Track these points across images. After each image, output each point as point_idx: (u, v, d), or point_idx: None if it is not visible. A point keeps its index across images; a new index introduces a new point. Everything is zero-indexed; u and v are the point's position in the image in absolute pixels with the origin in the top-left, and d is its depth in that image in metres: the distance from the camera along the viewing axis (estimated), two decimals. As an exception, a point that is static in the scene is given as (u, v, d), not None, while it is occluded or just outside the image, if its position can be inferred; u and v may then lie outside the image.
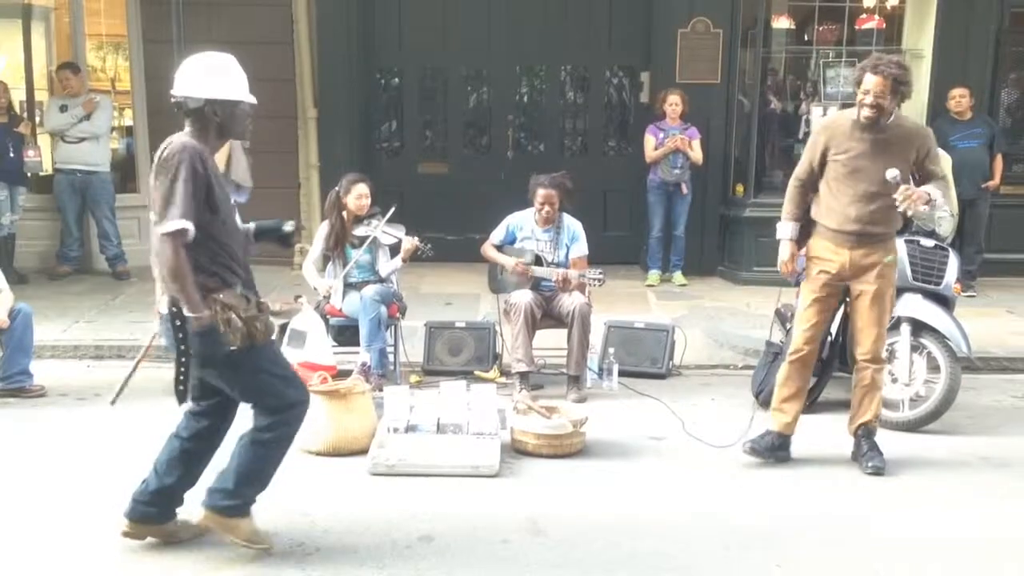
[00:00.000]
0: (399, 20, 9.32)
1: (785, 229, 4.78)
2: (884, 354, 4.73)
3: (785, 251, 4.78)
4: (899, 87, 4.34)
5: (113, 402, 5.24)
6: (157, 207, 3.30)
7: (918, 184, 4.49)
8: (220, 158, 7.26)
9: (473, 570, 3.58)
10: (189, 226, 3.26)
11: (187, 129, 3.45)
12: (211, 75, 3.43)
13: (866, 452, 4.68)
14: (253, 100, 3.53)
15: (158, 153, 3.37)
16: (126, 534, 3.66)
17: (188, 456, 3.65)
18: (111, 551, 3.67)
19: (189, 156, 3.29)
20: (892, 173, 4.32)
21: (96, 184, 8.31)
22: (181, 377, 3.44)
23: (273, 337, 3.61)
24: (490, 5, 9.22)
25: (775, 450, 4.75)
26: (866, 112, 4.38)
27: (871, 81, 4.33)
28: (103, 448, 4.81)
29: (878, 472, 4.59)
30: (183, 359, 3.40)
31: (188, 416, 3.68)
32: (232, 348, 3.33)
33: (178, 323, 3.36)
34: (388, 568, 3.58)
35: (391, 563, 3.61)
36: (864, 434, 4.72)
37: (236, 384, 3.48)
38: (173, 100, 3.45)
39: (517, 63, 9.62)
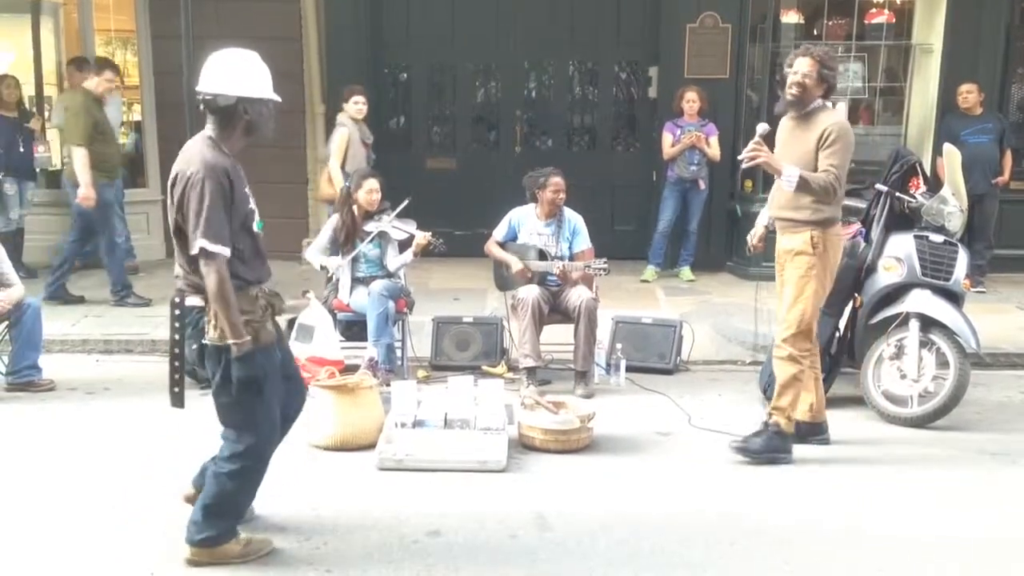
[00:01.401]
0: (407, 15, 9.32)
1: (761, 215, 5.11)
2: (791, 346, 4.57)
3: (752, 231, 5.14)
4: (824, 71, 4.48)
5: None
6: (192, 223, 3.23)
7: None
8: (340, 150, 7.28)
9: (480, 565, 3.59)
10: (226, 252, 3.24)
11: (210, 128, 3.39)
12: (241, 73, 3.36)
13: (751, 434, 4.69)
14: (278, 99, 3.48)
15: (181, 167, 3.30)
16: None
17: None
18: (117, 544, 3.69)
19: (213, 175, 3.24)
20: (762, 128, 4.54)
21: (106, 180, 8.33)
22: (176, 376, 3.43)
23: (273, 343, 3.49)
24: (498, 0, 9.20)
25: (805, 436, 4.84)
26: (792, 91, 4.52)
27: (800, 62, 4.52)
28: (112, 442, 4.83)
29: (736, 451, 4.60)
30: (177, 360, 3.40)
31: None
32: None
33: (177, 313, 3.37)
34: (396, 562, 3.58)
35: (399, 557, 3.62)
36: (769, 420, 4.68)
37: (217, 385, 3.39)
38: (200, 97, 3.38)
39: (525, 58, 9.60)
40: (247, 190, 3.43)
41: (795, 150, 4.53)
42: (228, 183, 3.28)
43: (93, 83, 7.23)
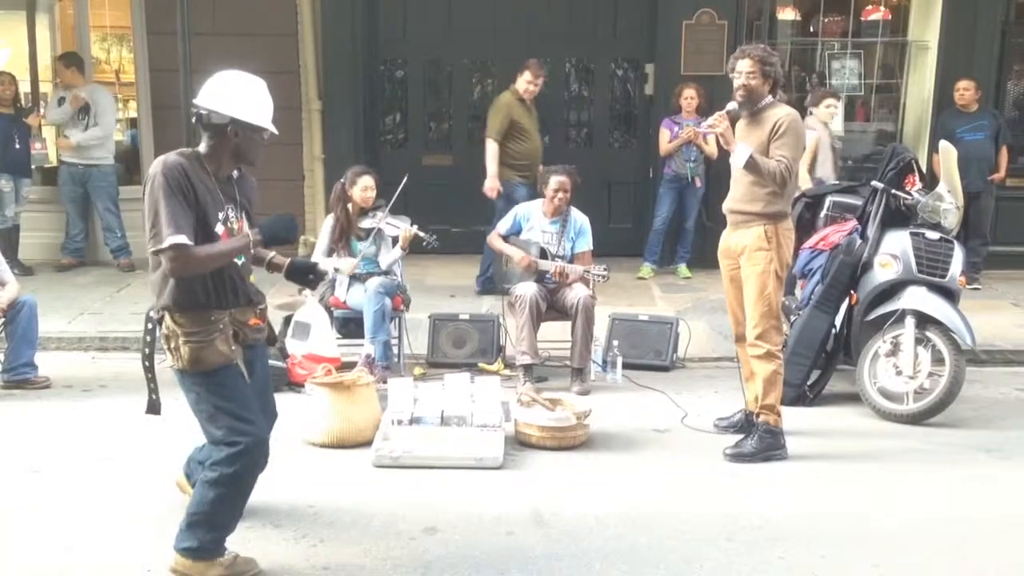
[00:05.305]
0: (403, 11, 9.30)
1: None
2: (767, 343, 4.61)
3: None
4: (766, 68, 4.53)
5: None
6: (147, 228, 3.16)
7: None
8: (810, 152, 7.15)
9: (477, 561, 3.59)
10: (182, 239, 3.10)
11: (202, 145, 3.31)
12: (241, 96, 3.29)
13: (742, 438, 4.75)
14: (275, 131, 3.39)
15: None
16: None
17: None
18: (113, 542, 3.70)
19: (167, 171, 3.14)
20: (732, 105, 4.63)
21: (97, 177, 8.31)
22: (152, 386, 3.46)
23: (239, 364, 3.42)
24: (494, -4, 9.20)
25: (741, 427, 4.95)
26: (740, 93, 4.57)
27: (740, 64, 4.56)
28: (108, 440, 4.83)
29: (732, 459, 4.63)
30: (150, 373, 3.42)
31: None
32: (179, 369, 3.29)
33: (149, 327, 3.35)
34: (393, 559, 3.59)
35: (396, 554, 3.63)
36: (758, 420, 4.72)
37: (190, 403, 3.37)
38: (194, 111, 3.30)
39: (522, 55, 9.57)
40: (221, 216, 3.30)
41: (751, 142, 4.55)
42: (187, 181, 3.16)
43: (521, 85, 7.65)
